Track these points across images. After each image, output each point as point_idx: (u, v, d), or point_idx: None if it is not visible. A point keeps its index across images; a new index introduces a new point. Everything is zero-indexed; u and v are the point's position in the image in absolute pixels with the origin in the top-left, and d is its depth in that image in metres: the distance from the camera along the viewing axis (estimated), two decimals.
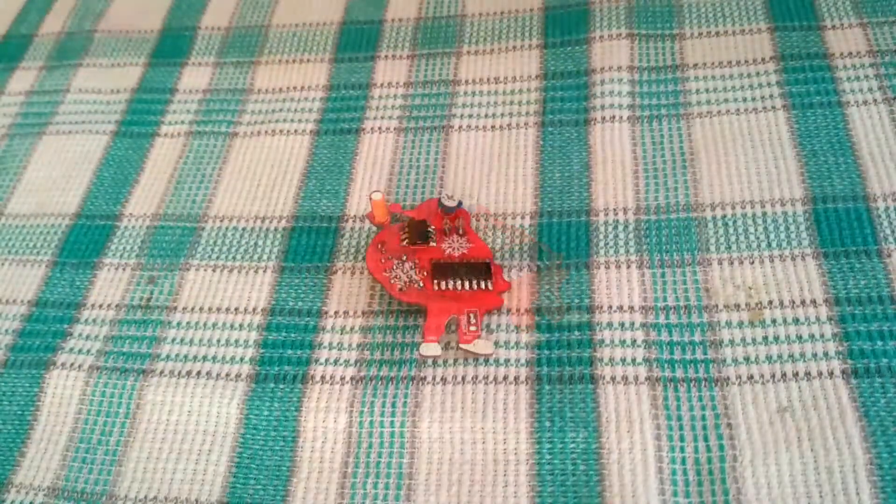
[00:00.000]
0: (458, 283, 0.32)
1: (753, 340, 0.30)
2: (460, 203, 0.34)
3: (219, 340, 0.33)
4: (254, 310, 0.34)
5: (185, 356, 0.33)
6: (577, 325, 0.31)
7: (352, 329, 0.32)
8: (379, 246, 0.33)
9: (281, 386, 0.31)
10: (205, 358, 0.33)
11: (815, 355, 0.29)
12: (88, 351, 0.33)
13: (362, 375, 0.31)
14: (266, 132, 0.40)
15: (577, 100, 0.38)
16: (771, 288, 0.31)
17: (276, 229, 0.36)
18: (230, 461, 0.30)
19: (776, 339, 0.29)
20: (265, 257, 0.35)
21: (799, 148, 0.35)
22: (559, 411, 0.29)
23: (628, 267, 0.32)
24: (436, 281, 0.32)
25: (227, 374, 0.32)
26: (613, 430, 0.28)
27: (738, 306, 0.31)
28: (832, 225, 0.32)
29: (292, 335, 0.33)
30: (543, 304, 0.32)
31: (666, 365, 0.30)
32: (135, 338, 0.34)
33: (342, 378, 0.31)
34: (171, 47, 0.46)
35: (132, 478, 0.30)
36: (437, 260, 0.32)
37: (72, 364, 0.33)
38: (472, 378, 0.30)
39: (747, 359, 0.29)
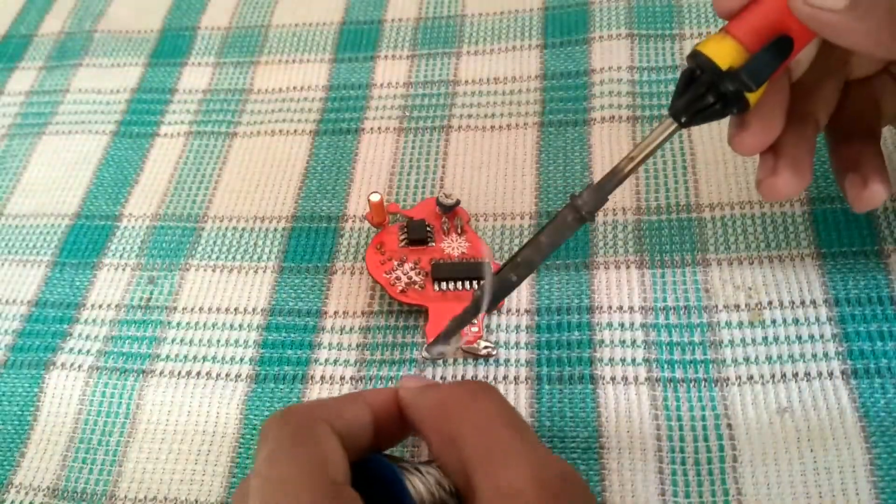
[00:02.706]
0: (459, 283, 0.32)
1: (753, 341, 0.30)
2: (458, 201, 0.34)
3: (219, 340, 0.33)
4: (254, 310, 0.34)
5: (185, 356, 0.33)
6: (576, 324, 0.31)
7: (352, 329, 0.33)
8: (378, 246, 0.33)
9: (281, 386, 0.31)
10: (205, 358, 0.33)
11: (814, 356, 0.29)
12: (88, 351, 0.33)
13: (362, 375, 0.31)
14: (266, 132, 0.40)
15: (577, 100, 0.38)
16: (770, 288, 0.31)
17: (276, 229, 0.36)
18: (230, 461, 0.30)
19: (776, 339, 0.29)
20: (265, 257, 0.35)
21: None
22: (559, 411, 0.29)
23: (628, 267, 0.32)
24: (436, 282, 0.32)
25: (227, 375, 0.32)
26: (613, 429, 0.28)
27: (737, 307, 0.31)
28: (831, 225, 0.32)
29: (292, 335, 0.33)
30: (543, 304, 0.32)
31: (666, 365, 0.30)
32: (135, 338, 0.34)
33: (342, 378, 0.31)
34: (171, 47, 0.46)
35: (132, 478, 0.30)
36: (437, 260, 0.32)
37: (72, 364, 0.33)
38: (473, 378, 0.30)
39: (747, 359, 0.29)
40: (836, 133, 0.29)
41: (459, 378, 0.30)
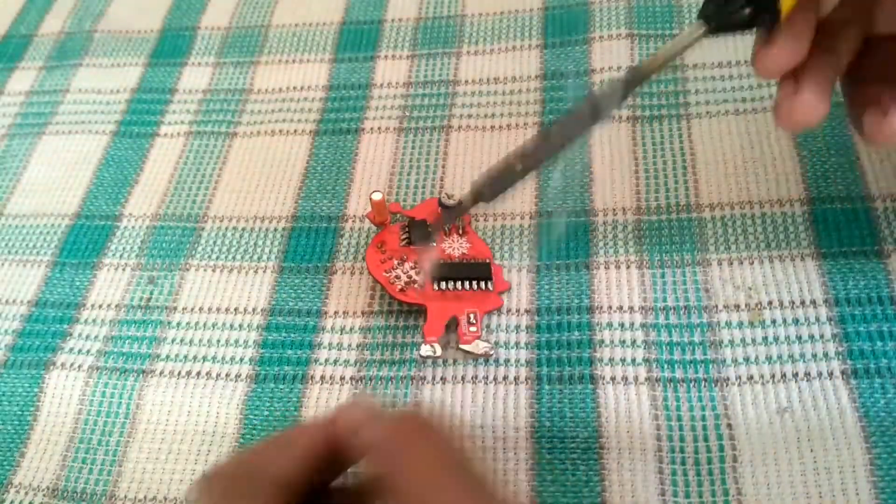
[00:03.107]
0: (458, 283, 0.32)
1: (753, 341, 0.30)
2: (460, 202, 0.34)
3: (219, 340, 0.33)
4: (254, 310, 0.34)
5: (185, 356, 0.33)
6: (576, 324, 0.31)
7: (352, 329, 0.33)
8: (379, 246, 0.33)
9: (281, 386, 0.31)
10: (205, 358, 0.33)
11: (814, 356, 0.29)
12: (88, 351, 0.33)
13: (362, 375, 0.31)
14: (266, 132, 0.40)
15: (577, 100, 0.38)
16: (771, 288, 0.31)
17: (276, 229, 0.36)
18: None
19: (776, 339, 0.29)
20: (265, 257, 0.35)
21: (798, 148, 0.35)
22: (559, 411, 0.29)
23: (628, 267, 0.32)
24: (436, 281, 0.32)
25: (227, 374, 0.32)
26: (613, 430, 0.28)
27: (737, 307, 0.31)
28: (831, 225, 0.32)
29: (292, 335, 0.33)
30: (543, 304, 0.32)
31: (666, 365, 0.30)
32: (135, 338, 0.34)
33: (342, 378, 0.31)
34: (171, 47, 0.46)
35: (132, 478, 0.30)
36: (437, 260, 0.32)
37: (72, 364, 0.33)
38: (472, 378, 0.30)
39: (747, 359, 0.29)
40: (854, 79, 0.28)
41: (459, 378, 0.30)
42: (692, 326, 0.30)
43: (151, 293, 0.35)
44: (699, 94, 0.37)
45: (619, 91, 0.25)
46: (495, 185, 0.25)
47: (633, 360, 0.30)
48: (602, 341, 0.30)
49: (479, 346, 0.30)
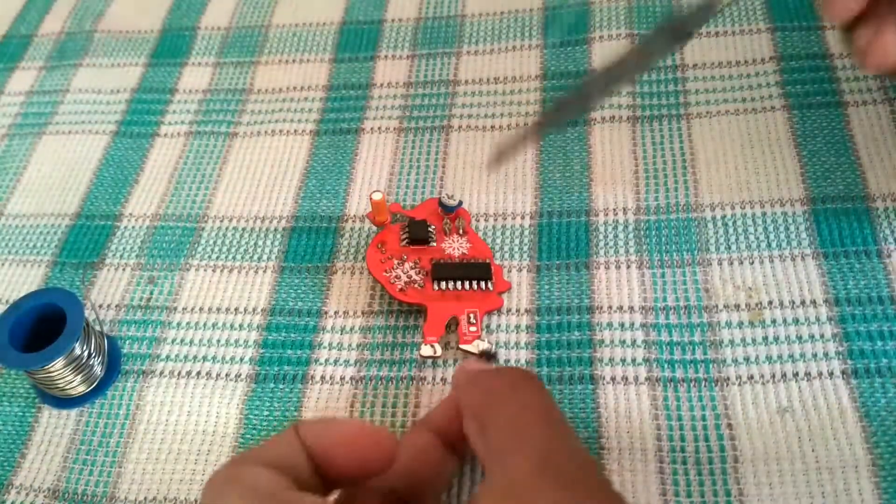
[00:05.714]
0: (459, 283, 0.32)
1: (753, 341, 0.30)
2: (460, 202, 0.34)
3: (219, 340, 0.33)
4: (254, 310, 0.34)
5: (185, 356, 0.33)
6: (576, 324, 0.31)
7: (352, 329, 0.32)
8: (379, 246, 0.33)
9: (281, 386, 0.31)
10: (205, 358, 0.33)
11: (815, 355, 0.29)
12: None
13: (362, 375, 0.31)
14: (266, 132, 0.40)
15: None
16: (771, 288, 0.31)
17: (276, 229, 0.36)
18: None
19: (776, 339, 0.29)
20: (265, 257, 0.35)
21: (799, 148, 0.35)
22: None
23: (628, 267, 0.32)
24: (436, 281, 0.32)
25: (227, 375, 0.32)
26: (613, 430, 0.28)
27: (738, 306, 0.31)
28: (832, 225, 0.32)
29: (292, 335, 0.33)
30: (543, 304, 0.32)
31: (666, 365, 0.30)
32: (135, 338, 0.34)
33: (342, 378, 0.31)
34: (171, 47, 0.46)
35: (132, 479, 0.30)
36: (438, 260, 0.32)
37: None
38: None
39: (747, 359, 0.29)
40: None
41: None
42: (692, 326, 0.30)
43: (151, 293, 0.35)
44: (699, 94, 0.37)
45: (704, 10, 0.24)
46: (568, 108, 0.25)
47: (634, 360, 0.30)
48: (602, 341, 0.30)
49: (479, 347, 0.30)
